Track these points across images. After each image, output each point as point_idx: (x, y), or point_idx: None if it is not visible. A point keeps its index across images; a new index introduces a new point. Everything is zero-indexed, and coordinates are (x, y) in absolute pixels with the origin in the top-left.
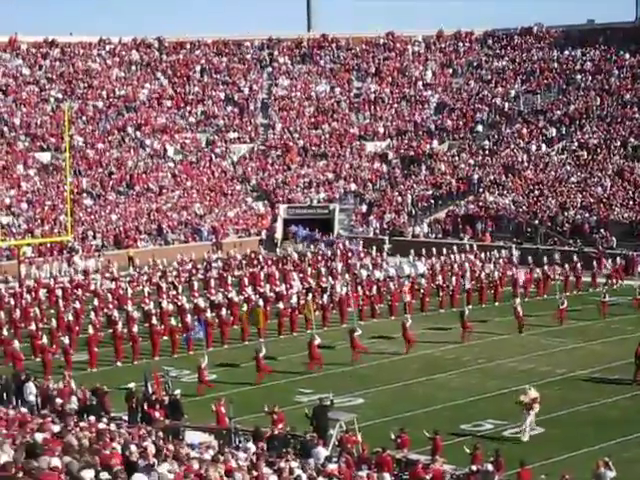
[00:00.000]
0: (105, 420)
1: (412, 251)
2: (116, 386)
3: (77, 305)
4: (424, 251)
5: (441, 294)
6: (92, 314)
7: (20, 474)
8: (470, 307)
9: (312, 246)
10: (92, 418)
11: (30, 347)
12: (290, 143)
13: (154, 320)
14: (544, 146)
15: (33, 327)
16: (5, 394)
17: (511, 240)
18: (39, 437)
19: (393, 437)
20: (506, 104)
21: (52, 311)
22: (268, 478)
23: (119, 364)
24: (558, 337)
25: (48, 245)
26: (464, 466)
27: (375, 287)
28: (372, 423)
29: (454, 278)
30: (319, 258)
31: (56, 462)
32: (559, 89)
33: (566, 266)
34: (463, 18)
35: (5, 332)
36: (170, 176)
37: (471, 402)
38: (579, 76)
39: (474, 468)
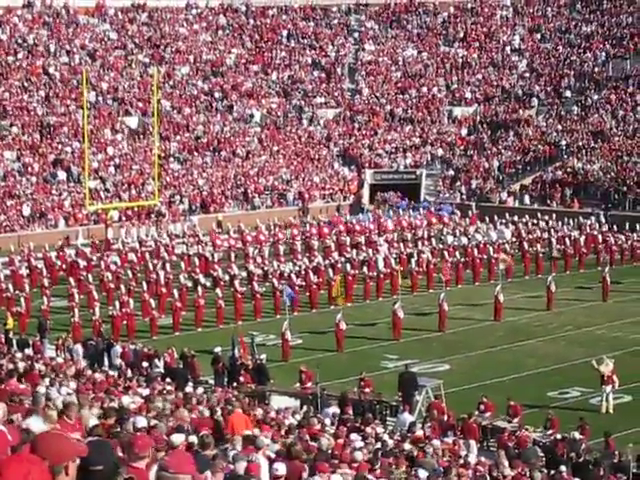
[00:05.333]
0: (191, 384)
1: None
2: (202, 350)
3: (166, 269)
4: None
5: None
6: (181, 277)
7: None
8: (554, 274)
9: (399, 211)
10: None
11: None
12: (377, 108)
13: (237, 285)
14: (633, 112)
15: (123, 290)
16: (96, 358)
17: (599, 207)
18: (126, 401)
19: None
20: (595, 69)
21: (139, 275)
22: (354, 443)
23: (199, 329)
24: None
25: (135, 209)
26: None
27: (458, 253)
28: (458, 389)
29: (539, 245)
30: (405, 224)
31: (143, 422)
32: None
33: None
34: None
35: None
36: (256, 141)
37: (558, 369)
38: None
39: (558, 436)
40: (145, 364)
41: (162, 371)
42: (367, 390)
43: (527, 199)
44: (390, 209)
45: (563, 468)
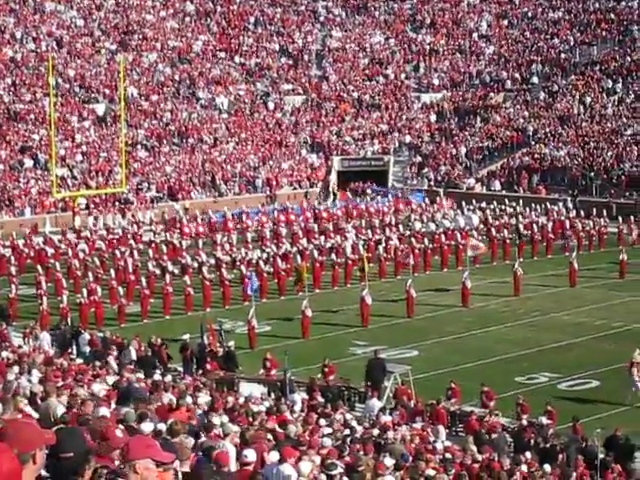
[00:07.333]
0: (159, 371)
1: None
2: (171, 337)
3: (134, 256)
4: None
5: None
6: (149, 265)
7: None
8: (521, 260)
9: (367, 198)
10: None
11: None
12: (344, 94)
13: (206, 272)
14: (600, 98)
15: (91, 278)
16: (63, 345)
17: (566, 193)
18: (96, 388)
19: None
20: (562, 55)
21: (107, 262)
22: (322, 430)
23: (167, 317)
24: (613, 290)
25: (103, 197)
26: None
27: (427, 240)
28: (426, 375)
29: (506, 230)
30: (373, 210)
31: (105, 412)
32: (615, 40)
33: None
34: None
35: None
36: (224, 127)
37: (525, 355)
38: (636, 27)
39: (524, 422)
40: (114, 352)
41: (134, 359)
42: (331, 377)
43: (498, 185)
44: (371, 197)
45: (528, 454)
